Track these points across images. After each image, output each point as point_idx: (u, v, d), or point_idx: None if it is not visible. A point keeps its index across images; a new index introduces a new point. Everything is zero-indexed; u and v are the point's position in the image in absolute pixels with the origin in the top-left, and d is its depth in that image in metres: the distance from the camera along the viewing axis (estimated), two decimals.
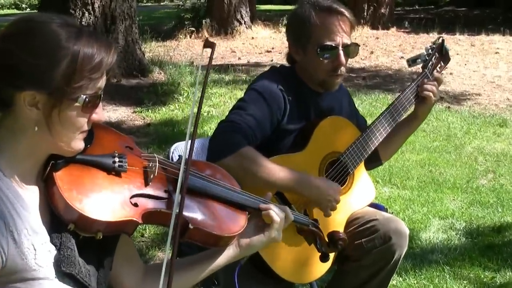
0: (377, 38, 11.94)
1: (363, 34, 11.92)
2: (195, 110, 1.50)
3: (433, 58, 2.61)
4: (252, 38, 11.83)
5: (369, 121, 2.73)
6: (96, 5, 6.89)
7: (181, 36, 11.79)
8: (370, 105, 7.24)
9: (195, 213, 1.58)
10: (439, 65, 2.65)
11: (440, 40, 2.68)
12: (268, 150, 2.27)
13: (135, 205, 1.47)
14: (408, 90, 2.56)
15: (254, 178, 2.16)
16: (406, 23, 13.67)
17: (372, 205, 2.58)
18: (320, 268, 2.35)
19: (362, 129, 2.56)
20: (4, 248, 1.34)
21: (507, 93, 8.13)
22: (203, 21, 11.91)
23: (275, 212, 1.73)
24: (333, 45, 2.36)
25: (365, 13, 13.23)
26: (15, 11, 22.80)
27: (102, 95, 1.47)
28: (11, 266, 1.36)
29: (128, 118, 6.39)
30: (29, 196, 1.43)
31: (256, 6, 15.17)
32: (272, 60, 9.69)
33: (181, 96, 7.04)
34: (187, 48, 10.93)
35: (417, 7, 20.02)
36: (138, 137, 5.76)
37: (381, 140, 2.49)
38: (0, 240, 1.34)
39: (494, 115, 7.09)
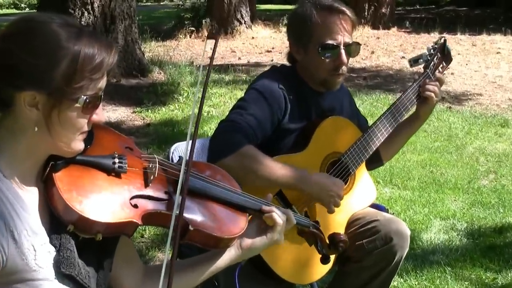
0: (378, 38, 11.93)
1: (364, 34, 11.90)
2: (196, 110, 1.49)
3: (435, 58, 2.61)
4: (252, 38, 11.83)
5: (370, 122, 2.72)
6: (95, 5, 6.88)
7: (181, 36, 11.78)
8: (371, 105, 7.23)
9: (195, 214, 1.57)
10: (441, 65, 2.64)
11: (442, 40, 2.68)
12: (268, 149, 2.27)
13: (135, 206, 1.46)
14: (410, 91, 2.55)
15: (255, 177, 2.15)
16: (407, 23, 13.67)
17: (373, 205, 2.57)
18: (320, 269, 2.34)
19: (364, 129, 2.56)
20: (5, 248, 1.34)
21: (508, 93, 8.12)
22: (203, 20, 11.90)
23: (278, 215, 1.72)
24: (335, 44, 2.36)
25: (366, 13, 13.22)
26: (14, 10, 22.82)
27: (102, 96, 1.46)
28: (11, 266, 1.35)
29: (128, 118, 6.39)
30: (28, 197, 1.42)
31: (256, 5, 15.17)
32: (272, 60, 9.69)
33: (181, 96, 7.04)
34: (187, 48, 10.93)
35: (418, 6, 20.01)
36: (137, 137, 5.76)
37: (382, 140, 2.49)
38: (0, 240, 1.33)
39: (495, 115, 7.08)
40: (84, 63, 1.38)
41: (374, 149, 2.47)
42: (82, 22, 6.63)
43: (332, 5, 2.38)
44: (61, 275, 1.41)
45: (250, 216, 1.72)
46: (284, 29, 10.52)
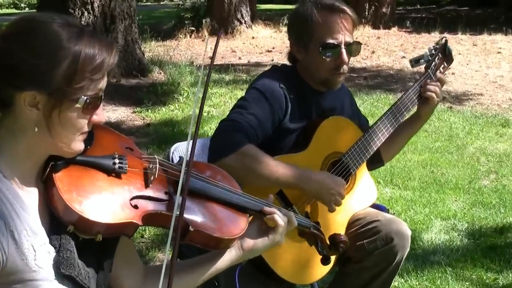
0: (379, 37, 11.92)
1: (365, 34, 11.90)
2: (197, 110, 1.48)
3: (436, 58, 2.61)
4: (253, 37, 11.82)
5: (370, 122, 2.71)
6: (95, 5, 6.88)
7: (181, 36, 11.77)
8: (372, 105, 7.23)
9: (195, 215, 1.57)
10: (442, 66, 2.64)
11: (443, 41, 2.68)
12: (269, 149, 2.26)
13: (135, 207, 1.45)
14: (411, 91, 2.55)
15: (256, 176, 2.15)
16: (408, 22, 13.65)
17: (374, 206, 2.57)
18: (321, 269, 2.34)
19: (364, 129, 2.55)
20: (5, 248, 1.34)
21: (509, 93, 8.11)
22: (203, 20, 11.89)
23: (279, 216, 1.72)
24: (336, 43, 2.35)
25: (367, 13, 13.21)
26: (14, 10, 22.82)
27: (103, 97, 1.45)
28: (11, 266, 1.35)
29: (128, 118, 6.38)
30: (28, 198, 1.42)
31: (257, 5, 15.14)
32: (272, 60, 9.68)
33: (181, 96, 7.04)
34: (187, 48, 10.92)
35: (418, 6, 19.99)
36: (137, 137, 5.76)
37: (383, 140, 2.48)
38: (0, 240, 1.33)
39: (496, 115, 7.07)
40: (84, 63, 1.38)
41: (375, 149, 2.47)
42: (82, 22, 6.63)
43: (333, 4, 2.38)
44: (61, 276, 1.41)
45: (251, 217, 1.72)
46: (284, 29, 10.51)
